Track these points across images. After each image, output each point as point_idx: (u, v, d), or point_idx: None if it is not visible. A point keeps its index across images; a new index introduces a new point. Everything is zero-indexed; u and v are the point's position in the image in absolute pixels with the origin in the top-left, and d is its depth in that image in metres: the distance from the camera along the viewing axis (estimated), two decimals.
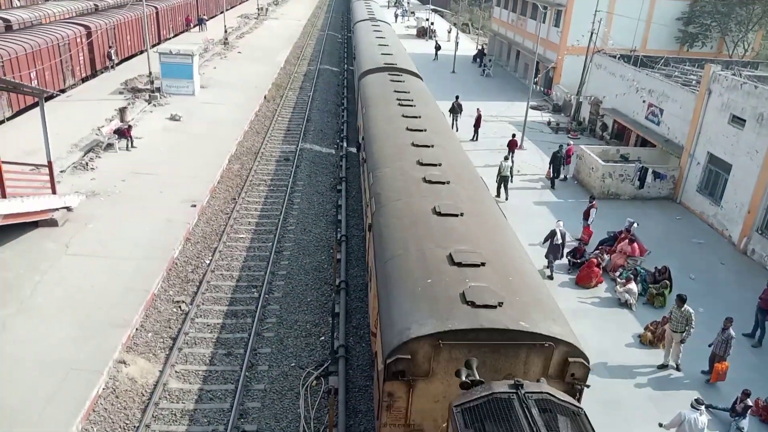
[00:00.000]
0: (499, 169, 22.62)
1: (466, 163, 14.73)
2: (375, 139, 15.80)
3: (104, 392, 11.88)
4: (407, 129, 15.86)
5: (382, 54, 26.95)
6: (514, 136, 26.79)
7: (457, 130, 29.70)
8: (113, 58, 37.43)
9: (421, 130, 15.76)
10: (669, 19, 38.22)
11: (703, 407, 11.19)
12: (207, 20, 57.06)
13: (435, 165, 13.33)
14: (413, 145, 14.58)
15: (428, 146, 14.47)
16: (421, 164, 13.33)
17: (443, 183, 12.31)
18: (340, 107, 33.73)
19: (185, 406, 11.96)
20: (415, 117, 17.07)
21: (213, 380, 12.75)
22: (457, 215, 10.89)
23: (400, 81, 21.71)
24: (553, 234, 17.47)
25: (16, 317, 13.59)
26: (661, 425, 12.06)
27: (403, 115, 17.09)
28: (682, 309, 13.52)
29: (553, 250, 17.47)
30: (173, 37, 49.71)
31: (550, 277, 17.42)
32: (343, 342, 13.26)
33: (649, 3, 37.44)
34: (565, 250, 17.85)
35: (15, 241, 16.70)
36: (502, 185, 22.66)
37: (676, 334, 13.59)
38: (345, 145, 26.46)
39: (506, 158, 23.27)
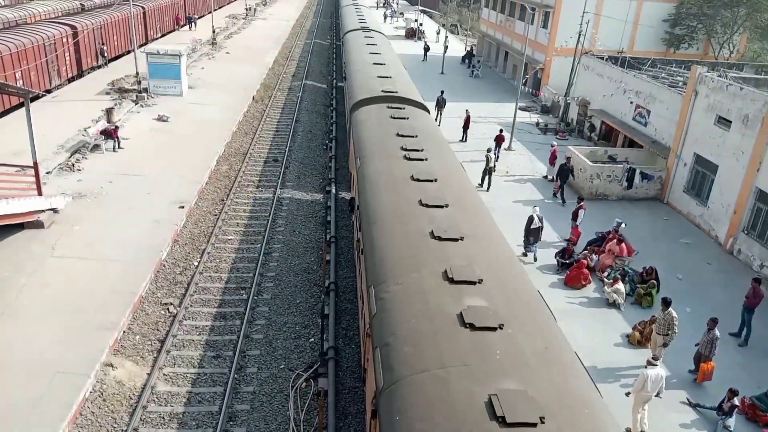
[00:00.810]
0: (487, 159, 23.63)
1: (516, 273, 9.75)
2: (376, 220, 11.41)
3: (91, 395, 11.76)
4: (421, 204, 11.38)
5: (379, 77, 22.13)
6: (501, 131, 27.63)
7: (439, 125, 30.20)
8: (105, 55, 37.35)
9: (442, 206, 11.31)
10: (656, 21, 38.55)
11: (657, 363, 12.08)
12: (197, 19, 56.98)
13: (473, 283, 8.65)
14: (433, 237, 10.09)
15: (456, 239, 10.00)
16: (453, 281, 8.69)
17: (493, 329, 7.63)
18: (329, 108, 33.68)
19: (173, 409, 11.87)
20: (430, 180, 12.60)
21: (201, 383, 12.67)
22: (534, 425, 6.17)
23: (404, 118, 17.16)
24: (531, 219, 18.40)
25: (1, 320, 13.42)
26: (627, 394, 12.38)
27: (413, 178, 12.64)
28: (666, 312, 13.59)
29: (533, 234, 18.42)
30: (161, 37, 49.39)
31: (525, 255, 18.53)
32: (333, 344, 13.22)
33: (636, 5, 37.77)
34: (542, 233, 18.74)
35: (0, 243, 16.50)
36: (487, 176, 23.82)
37: (659, 337, 13.67)
38: (333, 145, 26.44)
39: (489, 150, 24.22)
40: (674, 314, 13.55)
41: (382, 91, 20.01)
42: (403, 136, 15.47)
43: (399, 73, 24.38)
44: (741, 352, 14.90)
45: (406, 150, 14.25)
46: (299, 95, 36.25)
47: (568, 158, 23.92)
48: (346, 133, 22.96)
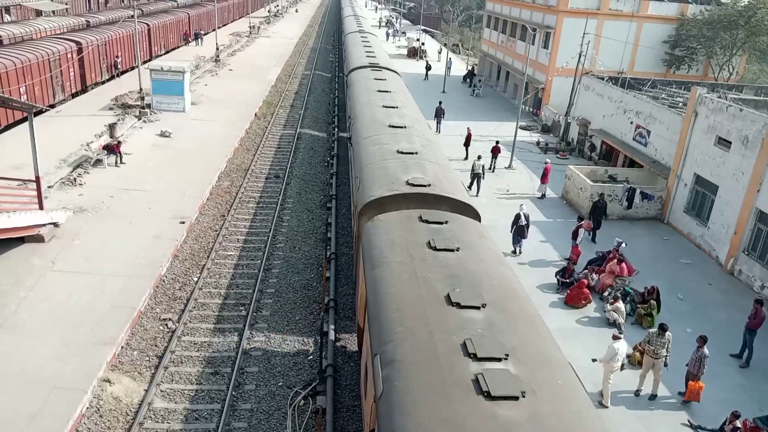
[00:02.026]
0: (473, 167, 25.15)
1: None
2: None
3: (88, 411, 11.67)
4: None
5: (401, 154, 15.08)
6: (497, 142, 28.70)
7: (438, 132, 33.75)
8: (119, 66, 38.08)
9: None
10: (656, 42, 38.88)
11: (622, 336, 13.78)
12: (204, 35, 57.93)
13: None
14: None
15: None
16: None
17: None
18: (331, 113, 33.79)
19: (170, 427, 11.78)
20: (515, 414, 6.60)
21: (199, 400, 12.58)
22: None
23: (452, 250, 10.13)
24: (518, 217, 19.64)
25: (0, 333, 13.37)
26: (594, 360, 13.82)
27: (488, 403, 6.70)
28: (666, 336, 13.50)
29: (519, 231, 19.71)
30: (165, 53, 49.85)
31: (514, 253, 19.87)
32: (332, 361, 13.16)
33: (637, 26, 38.12)
34: (529, 230, 20.06)
35: (0, 256, 16.49)
36: (475, 181, 25.12)
37: (658, 361, 13.54)
38: (335, 159, 26.51)
39: (479, 158, 25.52)
40: (670, 335, 13.48)
41: (408, 182, 13.09)
42: (456, 305, 8.45)
43: (427, 143, 16.84)
44: (742, 374, 14.80)
45: (469, 344, 7.55)
46: (301, 112, 36.41)
47: (602, 195, 21.74)
48: (353, 253, 15.97)
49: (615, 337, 13.50)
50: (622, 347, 13.29)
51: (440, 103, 35.10)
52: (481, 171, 24.91)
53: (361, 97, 22.37)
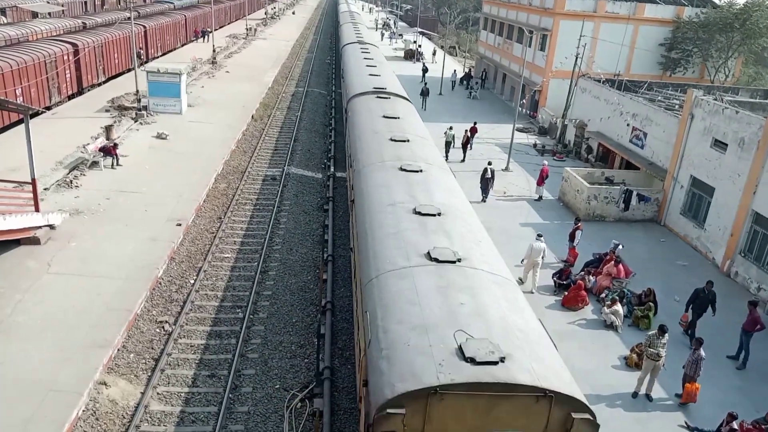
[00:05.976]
0: (445, 135, 29.54)
1: None
2: None
3: (84, 414, 11.62)
4: None
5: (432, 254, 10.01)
6: (475, 123, 32.10)
7: (425, 109, 39.05)
8: (141, 57, 38.58)
9: None
10: (652, 45, 39.02)
11: (542, 238, 17.74)
12: (210, 32, 58.17)
13: None
14: None
15: None
16: None
17: None
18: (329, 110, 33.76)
19: (167, 429, 11.73)
20: None
21: (196, 402, 12.54)
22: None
23: None
24: (485, 171, 23.96)
25: None
26: (522, 261, 17.72)
27: None
28: (665, 337, 13.51)
29: (484, 183, 24.13)
30: (161, 55, 49.81)
31: (483, 201, 24.20)
32: (329, 363, 13.12)
33: (633, 29, 38.23)
34: (494, 185, 24.51)
35: None
36: (447, 149, 29.47)
37: (658, 363, 13.54)
38: (333, 151, 26.49)
39: (451, 128, 29.91)
40: (667, 338, 13.52)
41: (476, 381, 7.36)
42: None
43: (474, 234, 11.62)
44: (739, 375, 14.82)
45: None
46: (298, 114, 36.41)
47: (710, 282, 16.01)
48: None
49: (537, 237, 17.62)
50: (537, 245, 17.24)
51: (426, 84, 42.83)
52: (451, 140, 29.56)
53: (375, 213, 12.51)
